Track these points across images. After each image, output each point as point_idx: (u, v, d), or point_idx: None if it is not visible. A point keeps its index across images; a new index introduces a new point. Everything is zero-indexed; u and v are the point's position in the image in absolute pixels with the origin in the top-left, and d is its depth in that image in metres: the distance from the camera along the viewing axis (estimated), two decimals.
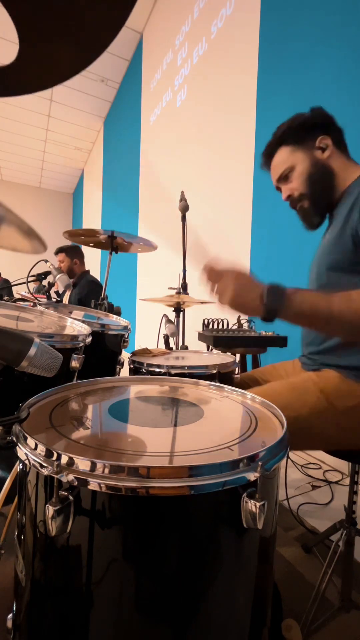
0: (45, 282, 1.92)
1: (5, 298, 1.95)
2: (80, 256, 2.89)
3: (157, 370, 0.98)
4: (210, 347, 1.64)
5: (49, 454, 0.42)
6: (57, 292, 3.28)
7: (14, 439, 0.48)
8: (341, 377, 0.85)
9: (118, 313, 1.65)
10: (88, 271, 2.92)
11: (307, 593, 0.98)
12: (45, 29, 0.29)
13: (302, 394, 0.84)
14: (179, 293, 1.79)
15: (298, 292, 0.69)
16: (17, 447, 0.46)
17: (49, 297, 2.26)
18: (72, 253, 2.83)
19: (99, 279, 2.92)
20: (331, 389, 0.84)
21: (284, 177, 0.97)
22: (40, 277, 1.82)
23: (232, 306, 0.71)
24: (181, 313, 1.75)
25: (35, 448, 0.44)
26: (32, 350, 0.52)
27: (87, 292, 2.64)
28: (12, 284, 1.95)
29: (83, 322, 1.03)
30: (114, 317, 1.47)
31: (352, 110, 1.67)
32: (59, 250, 2.84)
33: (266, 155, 1.00)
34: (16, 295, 2.55)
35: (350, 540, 0.98)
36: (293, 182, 0.95)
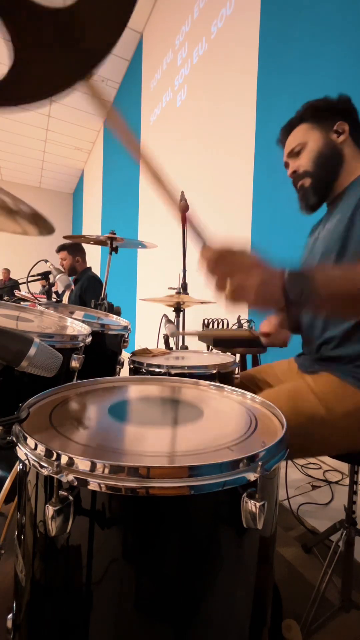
0: (45, 282, 1.93)
1: (6, 298, 1.95)
2: (82, 253, 2.90)
3: (157, 370, 0.98)
4: (210, 347, 1.64)
5: (48, 454, 0.42)
6: (56, 292, 3.28)
7: (14, 439, 0.48)
8: (338, 380, 0.84)
9: (118, 313, 1.65)
10: (89, 268, 2.93)
11: (307, 593, 0.98)
12: (42, 41, 0.29)
13: (299, 402, 0.82)
14: (179, 293, 1.79)
15: (320, 271, 0.60)
16: (17, 447, 0.46)
17: (49, 297, 2.26)
18: (74, 251, 2.84)
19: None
20: (328, 393, 0.82)
21: (295, 153, 0.96)
22: (47, 276, 1.81)
23: (251, 306, 0.57)
24: (181, 313, 1.76)
25: (35, 448, 0.44)
26: (32, 350, 0.52)
27: (87, 288, 2.64)
28: (11, 284, 1.95)
29: (83, 322, 1.03)
30: (114, 317, 1.47)
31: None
32: (61, 248, 2.85)
33: (285, 130, 0.99)
34: (16, 295, 2.55)
35: (350, 540, 0.98)
36: (302, 158, 0.94)
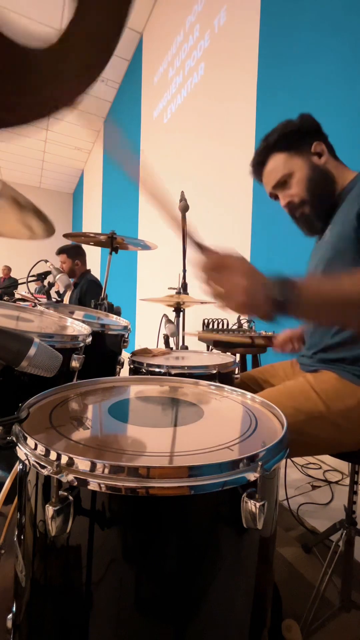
0: (45, 282, 1.92)
1: (6, 298, 1.95)
2: (82, 256, 2.90)
3: (157, 370, 0.98)
4: (210, 347, 1.64)
5: (48, 454, 0.42)
6: (57, 292, 3.28)
7: (14, 439, 0.48)
8: (338, 378, 0.85)
9: (118, 313, 1.65)
10: (89, 271, 2.93)
11: (307, 593, 0.98)
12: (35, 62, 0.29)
13: (300, 400, 0.83)
14: (179, 293, 1.79)
15: (307, 281, 0.61)
16: (17, 447, 0.46)
17: (49, 297, 2.26)
18: (74, 254, 2.84)
19: (99, 278, 2.92)
20: (328, 391, 0.83)
21: (282, 184, 0.96)
22: (42, 277, 1.82)
23: (240, 312, 0.61)
24: (181, 313, 1.75)
25: (35, 448, 0.44)
26: (32, 350, 0.52)
27: (86, 291, 2.65)
28: (11, 284, 1.95)
29: (83, 322, 1.03)
30: (114, 317, 1.47)
31: (353, 109, 1.67)
32: (60, 251, 2.85)
33: (257, 164, 0.99)
34: (16, 295, 2.55)
35: (350, 540, 0.98)
36: (292, 188, 0.94)
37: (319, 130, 0.95)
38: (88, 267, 2.97)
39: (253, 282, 0.58)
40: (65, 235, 1.89)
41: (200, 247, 0.62)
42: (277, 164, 0.95)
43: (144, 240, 1.90)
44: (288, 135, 0.93)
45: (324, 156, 0.92)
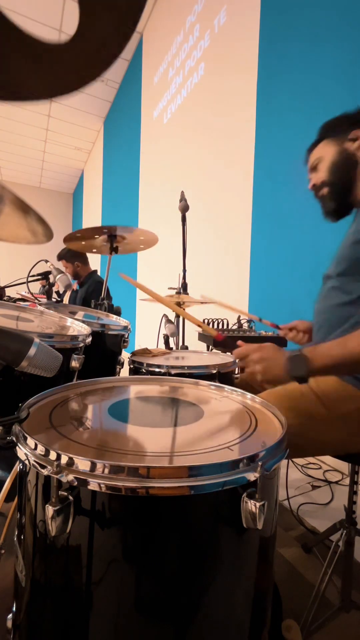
0: (45, 282, 1.92)
1: (5, 298, 1.95)
2: (80, 258, 2.89)
3: (157, 370, 0.98)
4: (210, 347, 1.64)
5: (49, 454, 0.42)
6: (57, 292, 3.28)
7: (14, 439, 0.48)
8: (338, 381, 0.84)
9: (118, 313, 1.65)
10: (95, 271, 2.93)
11: (307, 593, 0.98)
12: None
13: (300, 403, 0.83)
14: (179, 293, 1.79)
15: (316, 350, 0.72)
16: (17, 447, 0.46)
17: (49, 297, 2.26)
18: (71, 257, 2.84)
19: None
20: (329, 394, 0.83)
21: (314, 168, 0.99)
22: (46, 276, 1.81)
23: (264, 382, 0.80)
24: None
25: (35, 448, 0.44)
26: (32, 350, 0.52)
27: (92, 292, 2.66)
28: (13, 284, 1.95)
29: (83, 322, 1.03)
30: (114, 317, 1.47)
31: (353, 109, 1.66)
32: (59, 258, 2.87)
33: (308, 151, 1.02)
34: (16, 296, 2.55)
35: (350, 540, 0.98)
36: (319, 171, 0.98)
37: None
38: (94, 268, 2.97)
39: (267, 367, 0.75)
40: (66, 241, 1.89)
41: (233, 345, 0.82)
42: (317, 150, 0.98)
43: (144, 232, 1.88)
44: (334, 125, 0.96)
45: (357, 142, 0.92)
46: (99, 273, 2.98)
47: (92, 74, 0.31)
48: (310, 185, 1.02)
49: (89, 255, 2.95)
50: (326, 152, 0.96)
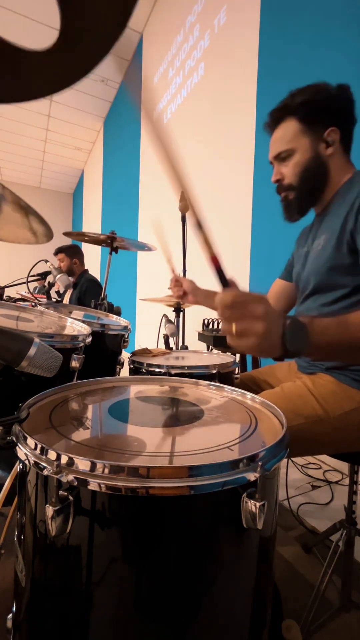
0: (45, 282, 1.93)
1: (5, 298, 1.95)
2: (80, 256, 2.90)
3: (157, 370, 0.98)
4: (210, 347, 1.64)
5: (48, 454, 0.42)
6: (57, 292, 3.29)
7: (14, 439, 0.48)
8: (336, 382, 0.85)
9: (118, 313, 1.65)
10: (87, 270, 2.94)
11: (307, 593, 0.98)
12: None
13: (298, 404, 0.83)
14: None
15: (315, 322, 0.61)
16: (17, 447, 0.46)
17: (49, 297, 2.26)
18: (72, 253, 2.85)
19: (99, 278, 2.92)
20: (326, 395, 0.83)
21: (282, 158, 0.92)
22: (45, 276, 1.82)
23: (250, 353, 0.61)
24: (181, 313, 1.75)
25: (35, 448, 0.44)
26: (32, 350, 0.52)
27: (86, 291, 2.65)
28: (13, 284, 1.95)
29: (83, 322, 1.03)
30: (114, 317, 1.47)
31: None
32: (59, 251, 2.86)
33: (272, 121, 0.94)
34: (16, 295, 2.55)
35: (350, 540, 0.98)
36: (288, 167, 0.92)
37: (348, 110, 0.88)
38: (86, 267, 2.97)
39: (270, 329, 0.55)
40: (66, 234, 1.89)
41: (226, 282, 0.61)
42: (286, 133, 0.90)
43: (146, 244, 1.89)
44: (313, 104, 0.86)
45: (332, 147, 0.88)
46: (98, 273, 2.98)
47: (82, 69, 0.31)
48: (275, 178, 0.95)
49: (85, 253, 2.96)
50: (299, 147, 0.88)
